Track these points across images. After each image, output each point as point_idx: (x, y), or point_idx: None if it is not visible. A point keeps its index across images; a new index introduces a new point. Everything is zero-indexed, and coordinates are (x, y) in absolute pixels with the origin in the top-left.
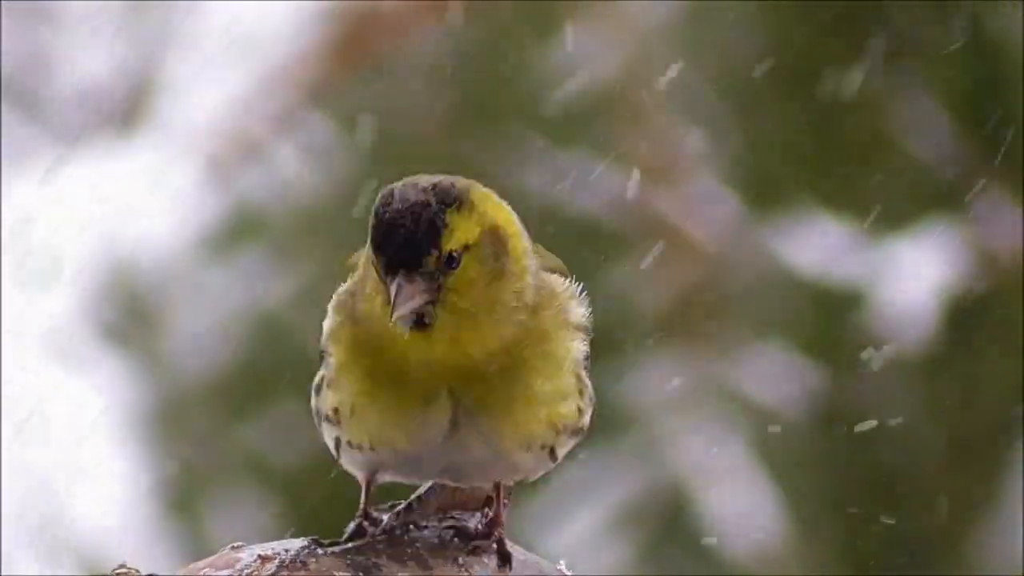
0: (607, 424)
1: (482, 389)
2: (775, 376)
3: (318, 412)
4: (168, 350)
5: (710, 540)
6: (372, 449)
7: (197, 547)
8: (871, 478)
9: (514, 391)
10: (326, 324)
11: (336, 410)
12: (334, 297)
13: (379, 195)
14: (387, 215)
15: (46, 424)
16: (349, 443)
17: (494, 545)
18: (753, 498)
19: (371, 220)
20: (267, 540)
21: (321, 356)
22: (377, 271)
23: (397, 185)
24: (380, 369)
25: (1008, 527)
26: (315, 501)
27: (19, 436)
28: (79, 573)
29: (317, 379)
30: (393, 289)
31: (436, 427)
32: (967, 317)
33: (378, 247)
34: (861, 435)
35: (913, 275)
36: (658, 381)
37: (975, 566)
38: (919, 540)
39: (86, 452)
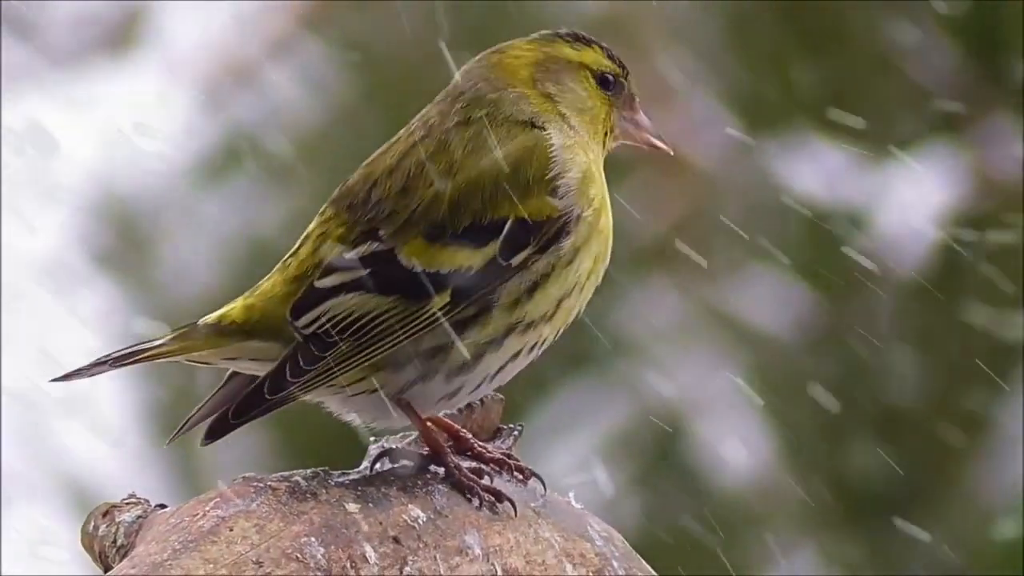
0: (600, 352)
1: None
2: (770, 301)
3: (520, 323)
4: (162, 276)
5: (701, 469)
6: (556, 335)
7: (187, 475)
8: (865, 406)
9: None
10: (580, 167)
11: (564, 294)
12: (559, 149)
13: (574, 32)
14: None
15: (41, 352)
16: (536, 343)
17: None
18: (745, 426)
19: (606, 47)
20: (259, 467)
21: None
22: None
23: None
24: (608, 199)
25: (1005, 454)
26: (307, 428)
27: (15, 364)
28: (73, 499)
29: (514, 289)
30: (647, 119)
31: None
32: (965, 243)
33: (629, 72)
34: (856, 361)
35: (912, 200)
36: (652, 308)
37: (971, 493)
38: (914, 467)
39: (79, 383)
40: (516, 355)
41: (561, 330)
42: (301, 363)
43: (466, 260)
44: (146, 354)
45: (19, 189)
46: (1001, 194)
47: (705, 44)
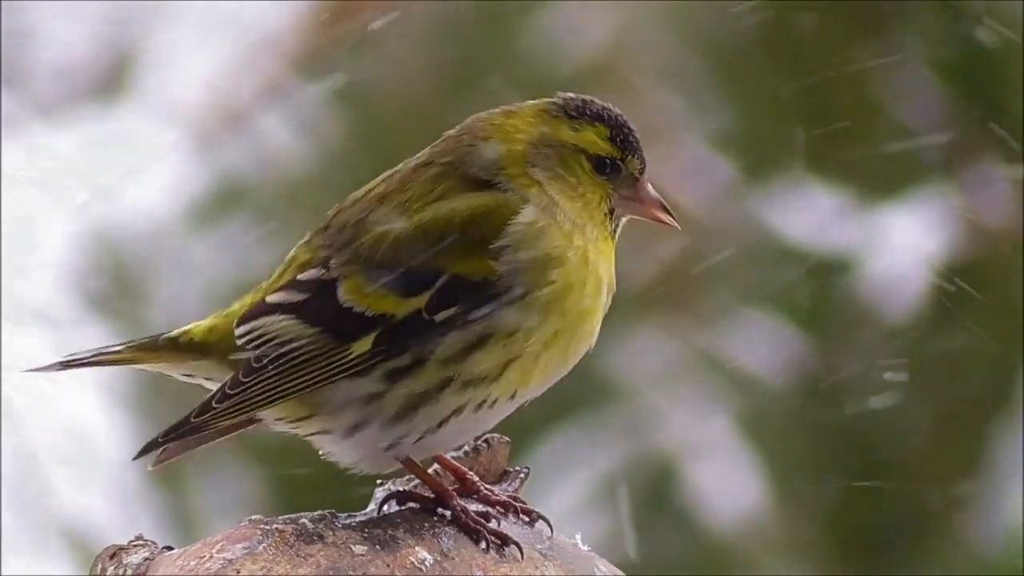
0: (592, 396)
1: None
2: (762, 346)
3: (455, 380)
4: (154, 320)
5: (694, 513)
6: (512, 398)
7: (181, 516)
8: (857, 449)
9: None
10: (542, 250)
11: (510, 358)
12: (539, 223)
13: (584, 102)
14: (625, 120)
15: (36, 397)
16: (483, 402)
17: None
18: (737, 470)
19: (611, 125)
20: (250, 508)
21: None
22: (616, 179)
23: (587, 97)
24: (593, 282)
25: (995, 499)
26: (298, 469)
27: (10, 410)
28: (68, 545)
29: (452, 347)
30: (653, 192)
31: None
32: (956, 286)
33: (635, 148)
34: (848, 405)
35: (902, 244)
36: (644, 352)
37: (961, 539)
38: (905, 512)
39: (73, 423)
40: (459, 411)
41: (520, 391)
42: (227, 388)
43: (391, 307)
44: (106, 357)
45: (12, 234)
46: (991, 238)
47: (696, 88)
